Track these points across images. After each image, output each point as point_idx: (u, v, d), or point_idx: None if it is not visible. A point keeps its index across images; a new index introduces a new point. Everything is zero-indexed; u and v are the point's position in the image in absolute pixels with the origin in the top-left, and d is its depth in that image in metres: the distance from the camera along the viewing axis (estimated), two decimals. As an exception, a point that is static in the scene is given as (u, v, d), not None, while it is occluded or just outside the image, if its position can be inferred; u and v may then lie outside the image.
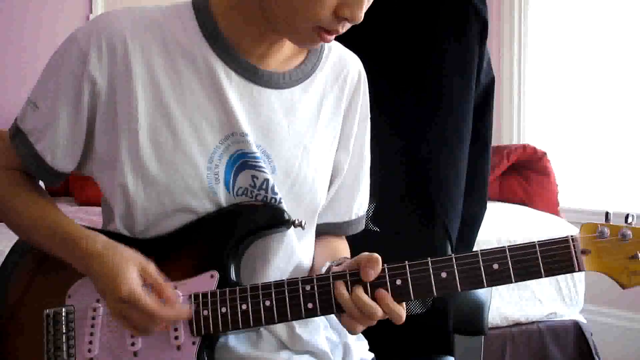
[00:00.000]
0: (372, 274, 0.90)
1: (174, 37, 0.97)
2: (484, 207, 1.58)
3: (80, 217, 2.28)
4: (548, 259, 0.88)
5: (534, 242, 0.89)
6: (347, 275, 0.92)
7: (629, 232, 0.88)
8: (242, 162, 0.97)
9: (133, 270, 0.90)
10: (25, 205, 1.01)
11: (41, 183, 1.08)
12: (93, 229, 1.02)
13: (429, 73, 1.45)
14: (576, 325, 2.47)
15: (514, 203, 2.99)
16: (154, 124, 0.95)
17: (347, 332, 1.09)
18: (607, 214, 0.90)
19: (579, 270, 0.88)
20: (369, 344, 1.13)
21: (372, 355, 1.11)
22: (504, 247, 0.90)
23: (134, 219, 0.97)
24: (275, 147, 1.00)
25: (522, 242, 0.90)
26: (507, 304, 2.36)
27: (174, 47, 0.96)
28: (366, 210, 1.18)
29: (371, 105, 1.15)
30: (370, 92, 1.14)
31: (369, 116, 1.14)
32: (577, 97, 3.31)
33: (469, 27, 1.45)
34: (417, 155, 1.45)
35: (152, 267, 0.92)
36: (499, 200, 3.01)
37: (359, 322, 0.91)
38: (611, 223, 0.89)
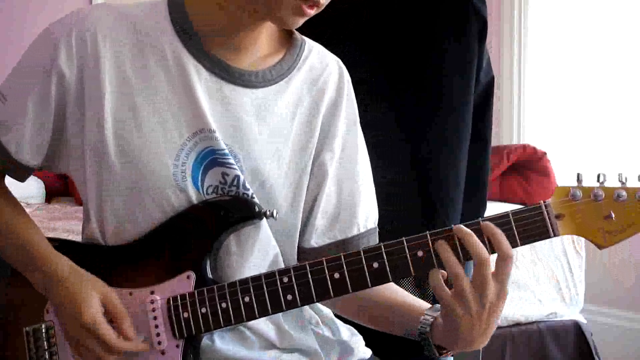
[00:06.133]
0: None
1: (146, 33, 0.96)
2: (484, 207, 1.58)
3: (80, 217, 2.28)
4: (522, 228, 0.86)
5: (507, 212, 0.87)
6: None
7: (601, 192, 0.86)
8: (212, 159, 0.96)
9: (96, 297, 0.90)
10: None
11: (14, 182, 1.05)
12: (66, 242, 1.01)
13: (429, 73, 1.45)
14: (576, 325, 2.47)
15: (514, 203, 2.98)
16: (120, 118, 0.94)
17: (339, 328, 1.08)
18: (578, 175, 0.88)
19: (554, 235, 0.86)
20: (368, 344, 1.12)
21: (369, 351, 1.10)
22: (477, 220, 0.88)
23: (105, 217, 0.96)
24: (244, 147, 0.97)
25: (496, 214, 0.88)
26: (507, 304, 2.31)
27: (145, 43, 0.96)
28: (376, 223, 1.09)
29: (371, 105, 1.14)
30: (370, 92, 1.13)
31: (358, 121, 1.08)
32: (577, 97, 3.31)
33: (468, 26, 1.44)
34: (417, 155, 1.45)
35: (114, 296, 0.92)
36: (499, 200, 3.01)
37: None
38: (583, 185, 0.87)
